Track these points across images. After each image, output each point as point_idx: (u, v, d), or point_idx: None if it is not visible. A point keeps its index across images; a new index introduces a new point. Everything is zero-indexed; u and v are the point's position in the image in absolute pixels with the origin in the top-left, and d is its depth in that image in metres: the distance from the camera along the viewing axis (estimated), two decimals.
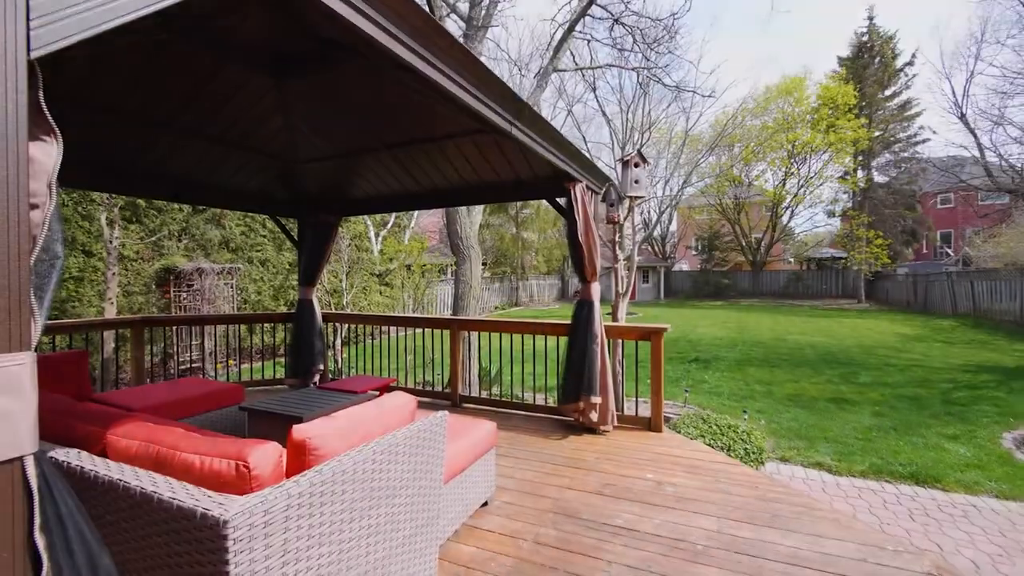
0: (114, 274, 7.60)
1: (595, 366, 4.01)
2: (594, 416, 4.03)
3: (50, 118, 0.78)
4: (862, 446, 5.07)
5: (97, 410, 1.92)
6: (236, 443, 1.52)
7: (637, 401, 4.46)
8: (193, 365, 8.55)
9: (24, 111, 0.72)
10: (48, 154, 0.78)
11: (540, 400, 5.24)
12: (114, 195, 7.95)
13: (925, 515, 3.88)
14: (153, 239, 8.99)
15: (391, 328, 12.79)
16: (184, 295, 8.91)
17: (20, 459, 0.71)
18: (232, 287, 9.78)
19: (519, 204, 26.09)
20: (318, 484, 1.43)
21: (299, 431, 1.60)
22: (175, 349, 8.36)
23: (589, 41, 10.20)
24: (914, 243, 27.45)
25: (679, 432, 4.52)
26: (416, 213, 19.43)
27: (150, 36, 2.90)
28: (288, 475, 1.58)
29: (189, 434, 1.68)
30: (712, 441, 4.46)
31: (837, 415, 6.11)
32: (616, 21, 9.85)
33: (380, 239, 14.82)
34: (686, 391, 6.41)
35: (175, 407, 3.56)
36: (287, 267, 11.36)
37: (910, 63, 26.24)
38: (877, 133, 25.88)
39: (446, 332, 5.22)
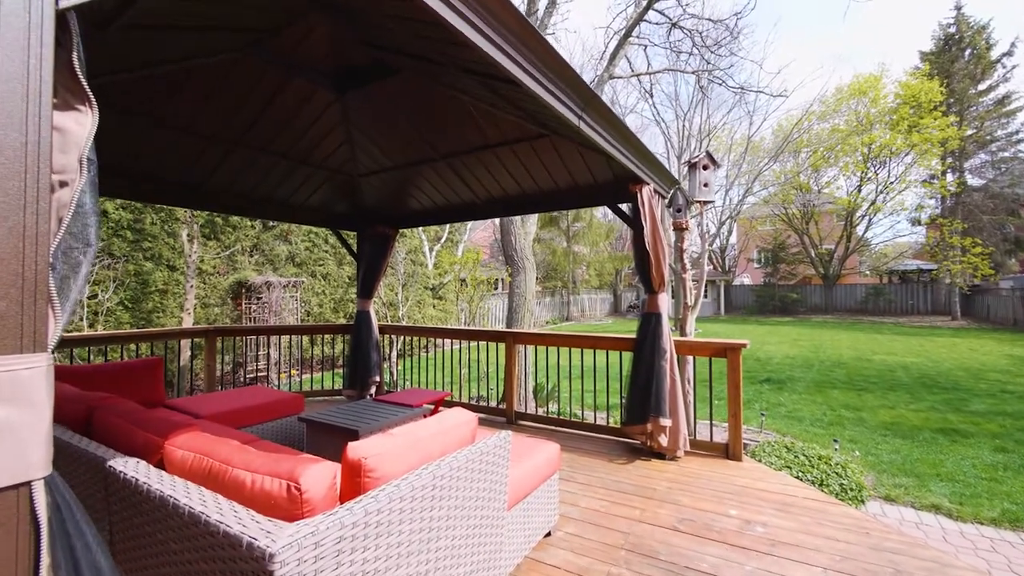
0: (192, 287, 8.13)
1: (664, 385, 3.66)
2: (664, 440, 3.67)
3: (86, 85, 0.68)
4: (988, 487, 4.30)
5: (158, 418, 1.88)
6: (289, 460, 1.39)
7: (712, 425, 4.03)
8: (259, 374, 8.94)
9: (49, 71, 0.61)
10: (82, 124, 0.68)
11: (599, 419, 4.92)
12: (195, 214, 8.57)
13: None
14: (227, 253, 9.59)
15: (444, 341, 12.86)
16: (254, 307, 9.40)
17: (27, 485, 0.59)
18: (297, 300, 10.22)
19: (570, 218, 25.82)
20: (373, 513, 1.27)
21: (355, 450, 1.45)
22: (244, 358, 8.79)
23: (646, 47, 9.92)
24: (1019, 253, 24.24)
25: (760, 461, 4.03)
26: (468, 228, 19.68)
27: (226, 54, 3.01)
28: (342, 498, 1.44)
29: (244, 447, 1.58)
30: (801, 474, 3.93)
31: (948, 449, 5.27)
32: (674, 25, 9.51)
33: (434, 254, 15.07)
34: (762, 415, 5.81)
35: (239, 415, 3.60)
36: (347, 281, 11.75)
37: (1008, 53, 23.56)
38: (970, 132, 23.32)
39: (501, 345, 5.04)
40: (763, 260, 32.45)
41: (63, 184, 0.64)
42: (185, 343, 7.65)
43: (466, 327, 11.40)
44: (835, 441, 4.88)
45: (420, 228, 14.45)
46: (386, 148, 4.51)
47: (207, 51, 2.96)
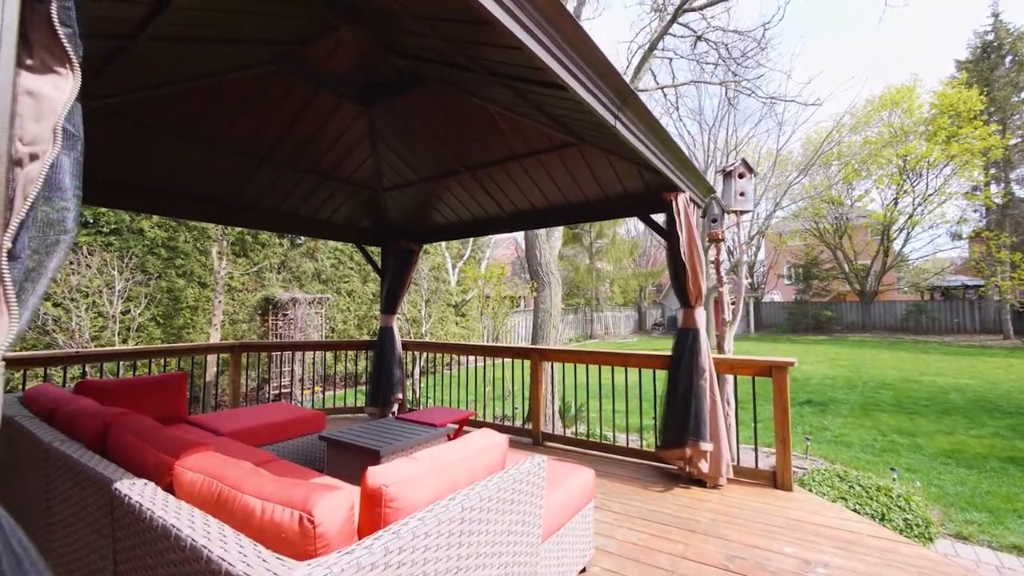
0: (220, 302, 8.25)
1: (704, 406, 3.41)
2: (704, 466, 3.39)
3: (68, 45, 0.58)
4: None
5: (172, 436, 1.78)
6: (302, 488, 1.25)
7: (757, 451, 3.72)
8: (284, 391, 8.95)
9: (13, 23, 0.51)
10: (60, 89, 0.57)
11: (632, 442, 4.64)
12: (226, 231, 8.76)
13: None
14: (255, 270, 9.75)
15: (467, 359, 12.72)
16: (280, 323, 9.48)
17: None
18: (322, 316, 10.28)
19: (593, 234, 25.58)
20: (395, 552, 1.11)
21: (375, 476, 1.30)
22: (269, 375, 8.83)
23: (671, 60, 9.82)
24: None
25: (811, 491, 3.69)
26: (491, 245, 19.68)
27: (256, 68, 3.01)
28: (360, 531, 1.28)
29: (257, 471, 1.45)
30: (858, 506, 3.57)
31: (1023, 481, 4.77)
32: (699, 38, 9.41)
33: (457, 271, 15.07)
34: (807, 440, 5.41)
35: (259, 432, 3.51)
36: (371, 298, 11.80)
37: None
38: (1015, 141, 22.25)
39: (526, 363, 4.86)
40: (794, 276, 31.39)
41: (33, 157, 0.54)
42: (212, 359, 7.72)
43: (490, 344, 11.25)
44: (893, 470, 4.46)
45: (443, 246, 14.50)
46: (411, 161, 4.47)
47: (237, 64, 2.97)
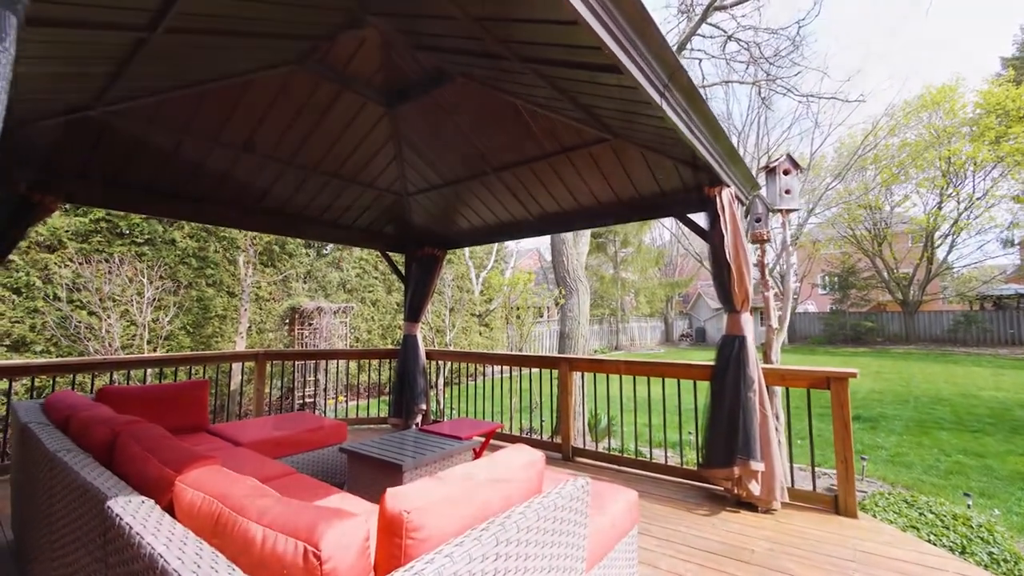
0: (246, 311, 8.31)
1: (754, 420, 3.10)
2: (755, 488, 3.07)
3: None
4: None
5: (178, 447, 1.63)
6: (310, 512, 1.06)
7: (814, 471, 3.37)
8: (307, 400, 8.92)
9: None
10: None
11: (670, 459, 4.31)
12: (255, 240, 8.87)
13: None
14: (281, 278, 9.84)
15: (491, 370, 12.50)
16: (306, 333, 9.50)
17: None
18: (346, 325, 10.27)
19: (618, 243, 25.14)
20: None
21: (395, 500, 1.10)
22: (294, 384, 8.82)
23: (700, 61, 9.54)
24: None
25: (875, 517, 3.30)
26: (514, 255, 19.55)
27: (282, 67, 2.94)
28: (377, 568, 1.08)
29: (263, 489, 1.28)
30: (933, 537, 3.17)
31: None
32: (729, 38, 9.12)
33: (480, 280, 14.96)
34: (862, 460, 4.95)
35: (279, 444, 3.38)
36: (395, 307, 11.76)
37: None
38: None
39: (554, 372, 4.62)
40: (830, 286, 30.12)
41: None
42: (237, 367, 7.74)
43: (517, 353, 11.04)
44: (967, 495, 4.00)
45: (467, 255, 14.42)
46: (436, 164, 4.35)
47: (261, 63, 2.90)
